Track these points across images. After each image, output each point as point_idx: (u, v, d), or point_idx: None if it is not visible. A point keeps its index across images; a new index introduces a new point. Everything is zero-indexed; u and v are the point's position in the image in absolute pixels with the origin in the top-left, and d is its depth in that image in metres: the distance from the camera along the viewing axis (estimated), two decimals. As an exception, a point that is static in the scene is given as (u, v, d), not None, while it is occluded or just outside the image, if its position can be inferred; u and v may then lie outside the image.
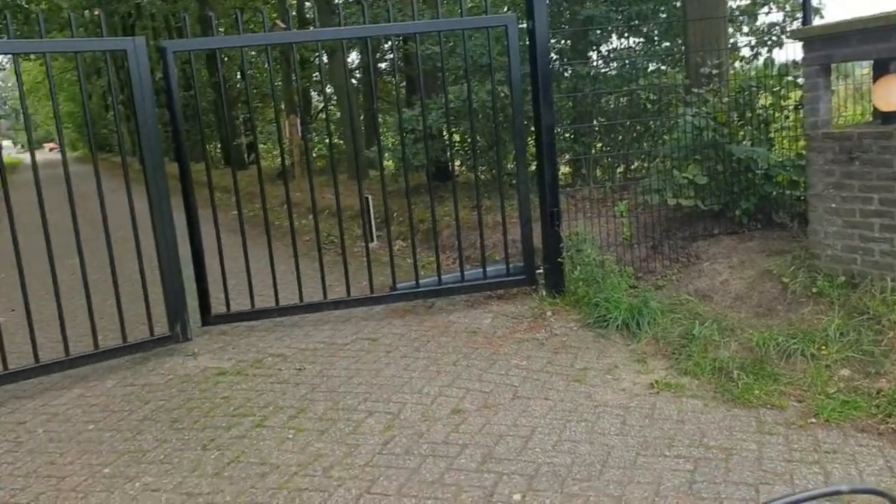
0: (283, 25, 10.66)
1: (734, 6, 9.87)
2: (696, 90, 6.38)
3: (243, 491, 3.27)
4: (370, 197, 6.12)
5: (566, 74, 8.60)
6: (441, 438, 3.63)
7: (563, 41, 9.31)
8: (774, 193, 5.88)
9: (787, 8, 8.82)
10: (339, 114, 15.53)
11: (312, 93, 22.54)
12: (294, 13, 17.72)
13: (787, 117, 6.20)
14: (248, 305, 5.69)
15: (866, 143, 4.35)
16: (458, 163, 10.05)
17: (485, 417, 3.84)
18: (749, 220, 5.88)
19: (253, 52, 17.72)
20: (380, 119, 6.81)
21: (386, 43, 13.59)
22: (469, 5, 8.28)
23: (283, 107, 17.37)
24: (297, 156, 13.64)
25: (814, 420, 3.55)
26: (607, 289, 5.25)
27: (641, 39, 9.34)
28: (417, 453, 3.50)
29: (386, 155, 9.62)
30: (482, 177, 8.62)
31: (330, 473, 3.37)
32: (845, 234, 4.55)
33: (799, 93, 5.89)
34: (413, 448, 3.55)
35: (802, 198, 5.62)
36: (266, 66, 21.25)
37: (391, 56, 15.81)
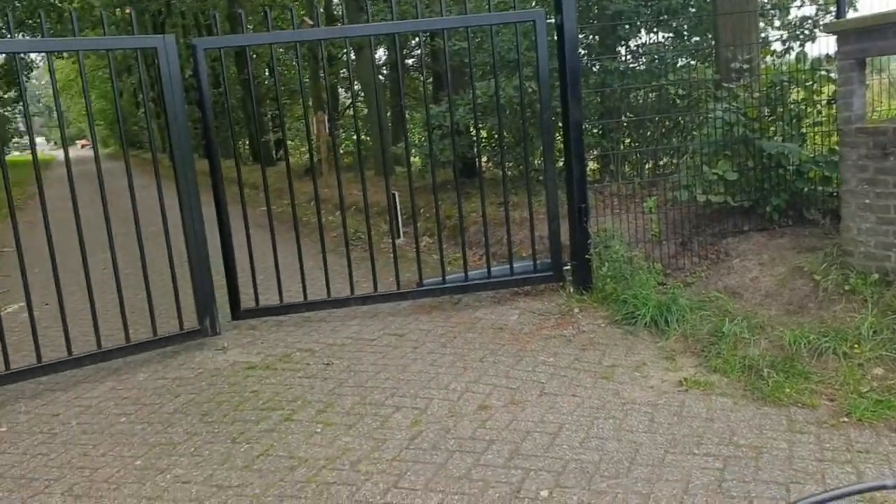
0: (310, 22, 10.71)
1: (765, 0, 9.73)
2: (726, 85, 6.31)
3: (272, 484, 3.30)
4: (397, 193, 6.13)
5: (594, 70, 8.54)
6: (468, 434, 3.64)
7: (591, 36, 9.25)
8: (806, 189, 5.79)
9: (820, 1, 8.68)
10: (366, 110, 15.59)
11: (340, 89, 22.64)
12: (322, 10, 17.79)
13: (820, 112, 6.10)
14: (276, 300, 5.75)
15: (901, 139, 4.27)
16: (484, 159, 10.04)
17: (512, 414, 3.84)
18: (780, 217, 5.81)
19: (281, 49, 17.84)
20: (407, 115, 6.81)
21: (413, 39, 13.60)
22: (496, 1, 8.25)
23: (310, 103, 17.47)
24: (325, 152, 13.72)
25: (846, 419, 3.50)
26: (635, 285, 5.22)
27: (671, 34, 9.25)
28: (444, 448, 3.51)
29: (413, 151, 9.64)
30: (509, 173, 8.60)
31: (358, 467, 3.39)
32: (879, 231, 4.48)
33: (832, 87, 5.80)
34: (440, 443, 3.56)
35: (835, 194, 5.53)
36: (294, 62, 21.44)
37: (418, 52, 15.83)
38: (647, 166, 8.11)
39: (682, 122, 7.89)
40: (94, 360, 4.95)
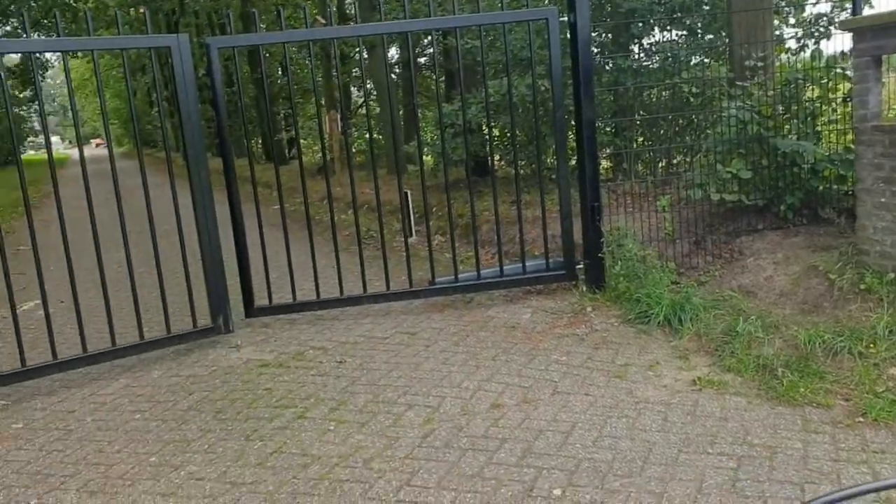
0: (323, 21, 10.74)
1: (780, -3, 9.67)
2: (740, 83, 6.27)
3: (285, 481, 3.31)
4: (409, 192, 6.13)
5: (607, 68, 8.52)
6: (481, 432, 3.64)
7: (604, 34, 9.22)
8: (821, 188, 5.76)
9: (836, -2, 8.61)
10: (378, 109, 15.61)
11: (352, 88, 22.68)
12: (334, 9, 17.82)
13: (835, 110, 6.06)
14: (289, 298, 5.77)
15: (918, 137, 4.23)
16: (497, 157, 10.03)
17: (524, 412, 3.83)
18: (794, 216, 5.77)
19: (294, 48, 17.89)
20: (419, 114, 6.81)
21: (426, 38, 13.60)
22: (509, -1, 8.24)
23: (323, 102, 17.51)
24: (338, 151, 13.75)
25: (861, 419, 3.48)
26: (649, 284, 5.20)
27: (684, 32, 9.20)
28: (457, 447, 3.51)
29: (425, 150, 9.64)
30: (522, 171, 8.59)
31: (370, 465, 3.40)
32: (895, 230, 4.44)
33: (847, 85, 5.76)
34: (453, 441, 3.56)
35: (850, 192, 5.49)
36: (306, 61, 21.49)
37: (431, 51, 15.82)
38: (660, 165, 8.07)
39: (695, 120, 7.85)
40: (108, 358, 4.99)
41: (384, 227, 6.08)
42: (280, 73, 23.62)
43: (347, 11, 18.89)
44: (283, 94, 21.09)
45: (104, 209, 5.51)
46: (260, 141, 24.48)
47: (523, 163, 9.07)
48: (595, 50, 8.71)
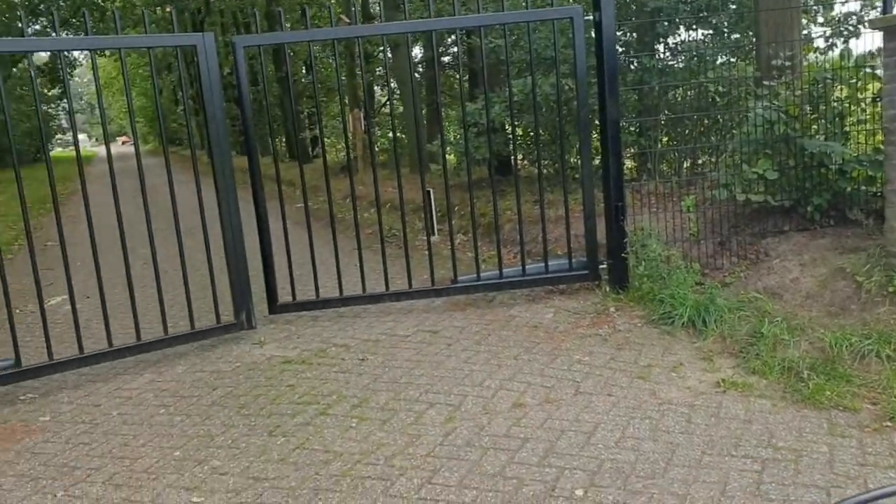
0: (347, 20, 10.78)
1: (808, -4, 9.56)
2: (767, 83, 6.20)
3: (308, 477, 3.33)
4: (432, 190, 6.14)
5: (632, 67, 8.46)
6: (502, 432, 3.63)
7: (629, 33, 9.17)
8: (849, 189, 5.68)
9: (866, -4, 8.49)
10: (402, 108, 15.64)
11: (376, 87, 22.73)
12: (359, 7, 17.88)
13: (864, 110, 5.98)
14: (312, 296, 5.79)
15: (950, 137, 4.16)
16: (520, 157, 10.00)
17: (546, 412, 3.82)
18: (821, 217, 5.70)
19: (317, 47, 17.96)
20: (442, 113, 6.82)
21: (450, 37, 13.60)
22: (534, -2, 8.21)
23: (347, 101, 17.57)
24: (361, 149, 13.79)
25: (889, 423, 3.43)
26: (673, 285, 5.16)
27: (710, 31, 9.13)
28: (479, 445, 3.51)
29: (448, 149, 9.64)
30: (545, 171, 8.56)
31: (392, 462, 3.40)
32: (925, 232, 4.37)
33: (877, 85, 5.67)
34: (474, 440, 3.56)
35: (879, 194, 5.41)
36: (330, 60, 21.58)
37: (455, 50, 15.83)
38: (685, 165, 8.01)
39: (721, 120, 7.77)
40: (133, 352, 5.05)
41: (407, 226, 6.09)
42: (304, 71, 23.73)
43: (372, 10, 18.94)
44: (307, 92, 21.19)
45: (130, 206, 5.57)
46: (284, 139, 24.62)
47: (546, 162, 9.04)
48: (620, 49, 8.66)
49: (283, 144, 24.57)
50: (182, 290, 5.27)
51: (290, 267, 5.67)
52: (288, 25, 17.64)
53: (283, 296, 5.78)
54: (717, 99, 7.74)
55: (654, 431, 3.53)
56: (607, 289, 5.65)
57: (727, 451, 3.31)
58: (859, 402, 3.65)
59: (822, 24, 9.37)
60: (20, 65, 26.67)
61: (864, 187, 5.67)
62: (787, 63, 6.14)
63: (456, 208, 8.03)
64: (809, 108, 6.02)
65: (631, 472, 3.18)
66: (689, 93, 8.01)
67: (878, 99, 5.56)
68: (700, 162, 7.92)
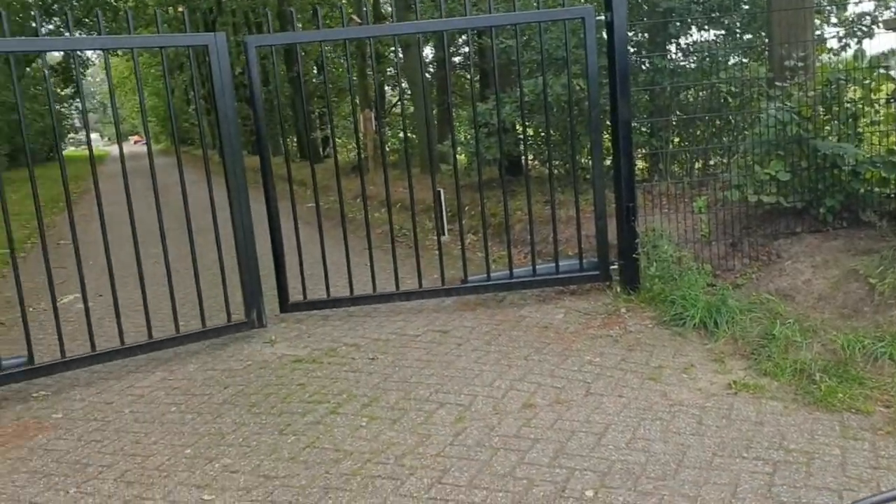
0: (358, 20, 10.79)
1: (821, -4, 9.51)
2: (779, 84, 6.18)
3: (318, 476, 3.34)
4: (442, 190, 6.14)
5: (644, 67, 8.44)
6: (512, 432, 3.63)
7: (641, 34, 9.15)
8: (862, 191, 5.64)
9: (879, -3, 8.44)
10: (413, 108, 15.66)
11: (387, 87, 22.75)
12: (370, 8, 17.91)
13: (878, 111, 5.94)
14: (323, 295, 5.81)
15: (965, 139, 4.14)
16: (531, 157, 9.99)
17: (557, 413, 3.82)
18: (834, 219, 5.67)
19: (329, 47, 18.00)
20: (453, 113, 6.82)
21: (461, 37, 13.60)
22: (545, -2, 8.20)
23: (358, 101, 17.59)
24: (372, 149, 13.81)
25: (902, 426, 3.41)
26: (684, 286, 5.15)
27: (722, 32, 9.10)
28: (489, 446, 3.51)
29: (459, 149, 9.64)
30: (556, 171, 8.55)
31: (402, 462, 3.41)
32: (939, 234, 4.34)
33: (890, 85, 5.64)
34: (484, 440, 3.56)
35: (892, 195, 5.38)
36: (342, 60, 21.62)
37: (466, 50, 15.82)
38: (696, 165, 7.99)
39: (733, 120, 7.75)
40: (145, 350, 5.07)
41: (417, 226, 6.10)
42: (316, 71, 23.78)
43: (383, 10, 18.97)
44: (318, 92, 21.23)
45: (142, 205, 5.60)
46: (295, 139, 24.68)
47: (557, 162, 9.03)
48: (631, 49, 8.64)
49: (295, 144, 24.63)
50: (193, 289, 5.29)
51: (300, 266, 5.69)
52: (299, 25, 17.69)
53: (294, 295, 5.79)
54: (730, 99, 7.71)
55: (664, 433, 3.52)
56: (618, 289, 5.64)
57: (738, 452, 3.29)
58: (872, 405, 3.63)
59: (835, 25, 9.32)
60: (34, 64, 26.87)
61: (877, 189, 5.64)
62: (800, 64, 6.11)
63: (466, 208, 8.03)
64: (822, 109, 5.99)
65: (641, 473, 3.17)
66: (700, 93, 7.98)
67: (891, 100, 5.53)
68: (712, 163, 7.90)
